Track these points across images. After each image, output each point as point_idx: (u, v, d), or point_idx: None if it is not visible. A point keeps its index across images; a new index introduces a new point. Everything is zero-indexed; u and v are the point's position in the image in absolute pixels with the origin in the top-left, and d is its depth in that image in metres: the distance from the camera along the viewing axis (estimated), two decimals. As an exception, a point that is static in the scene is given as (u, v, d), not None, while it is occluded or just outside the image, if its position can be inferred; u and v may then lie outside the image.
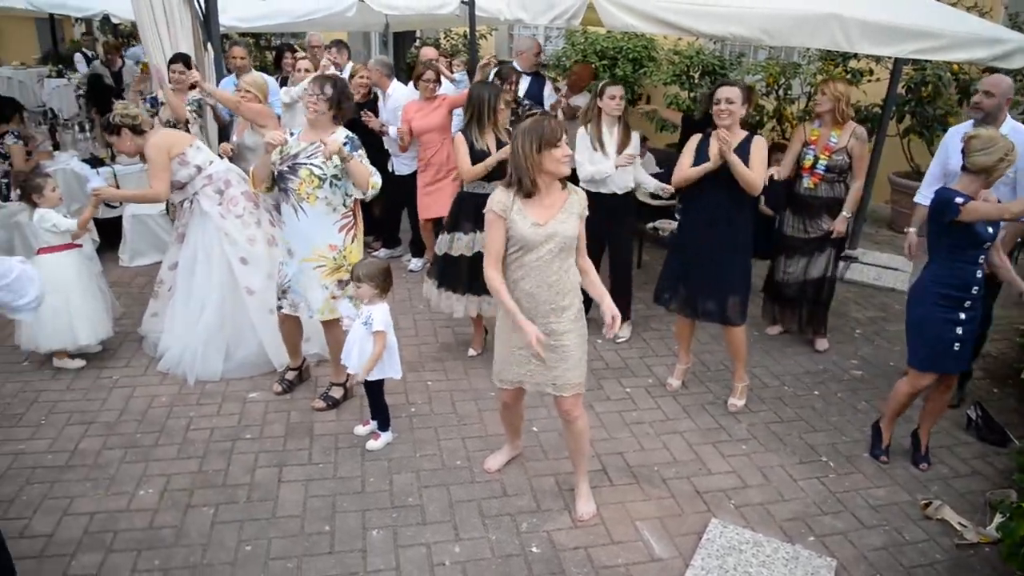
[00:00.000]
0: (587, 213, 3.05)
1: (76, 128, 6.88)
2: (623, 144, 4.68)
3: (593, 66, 8.16)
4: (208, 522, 3.18)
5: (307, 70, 5.62)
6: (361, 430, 3.82)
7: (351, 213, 3.85)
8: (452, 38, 11.56)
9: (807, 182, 4.67)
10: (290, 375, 4.26)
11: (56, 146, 6.70)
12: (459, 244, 4.42)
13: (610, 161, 4.63)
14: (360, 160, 3.71)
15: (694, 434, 4.00)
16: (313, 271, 3.81)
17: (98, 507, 3.27)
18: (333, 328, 3.93)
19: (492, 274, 3.00)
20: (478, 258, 4.37)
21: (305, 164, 3.67)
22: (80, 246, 4.41)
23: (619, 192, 4.74)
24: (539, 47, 6.66)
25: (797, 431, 4.06)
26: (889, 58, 6.23)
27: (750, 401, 4.30)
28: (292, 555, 3.00)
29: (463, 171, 4.34)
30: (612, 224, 4.72)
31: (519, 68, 6.27)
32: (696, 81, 8.66)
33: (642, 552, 3.11)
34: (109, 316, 4.58)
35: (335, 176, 3.70)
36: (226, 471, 3.53)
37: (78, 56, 12.50)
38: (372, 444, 3.71)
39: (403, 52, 12.03)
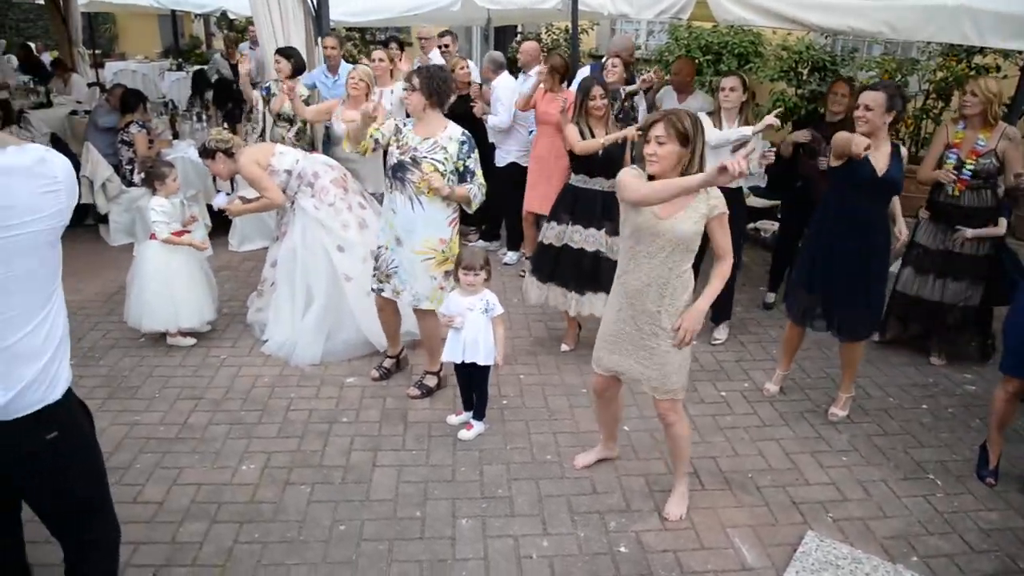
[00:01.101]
0: (720, 211, 2.86)
1: (194, 119, 7.25)
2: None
3: (696, 61, 7.98)
4: (305, 500, 3.30)
5: (381, 59, 5.75)
6: (453, 419, 3.88)
7: (458, 207, 3.92)
8: (553, 32, 11.56)
9: (950, 188, 4.41)
10: (388, 363, 4.36)
11: (175, 135, 7.08)
12: (550, 233, 4.47)
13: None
14: (473, 167, 3.80)
15: (791, 442, 3.86)
16: (422, 263, 3.87)
17: (204, 479, 3.44)
18: (428, 318, 3.99)
19: (646, 190, 2.76)
20: (566, 251, 4.41)
21: (427, 159, 3.72)
22: (189, 232, 4.64)
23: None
24: (633, 47, 6.60)
25: (902, 446, 3.86)
26: (1020, 53, 5.82)
27: (852, 411, 4.12)
28: (384, 538, 3.07)
29: (574, 144, 4.33)
30: None
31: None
32: (804, 77, 8.36)
33: (733, 560, 3.03)
34: (213, 300, 4.79)
35: (453, 172, 3.77)
36: (323, 452, 3.65)
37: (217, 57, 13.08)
38: (464, 434, 3.75)
39: (505, 47, 12.11)
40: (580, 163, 4.37)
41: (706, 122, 4.61)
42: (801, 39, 8.50)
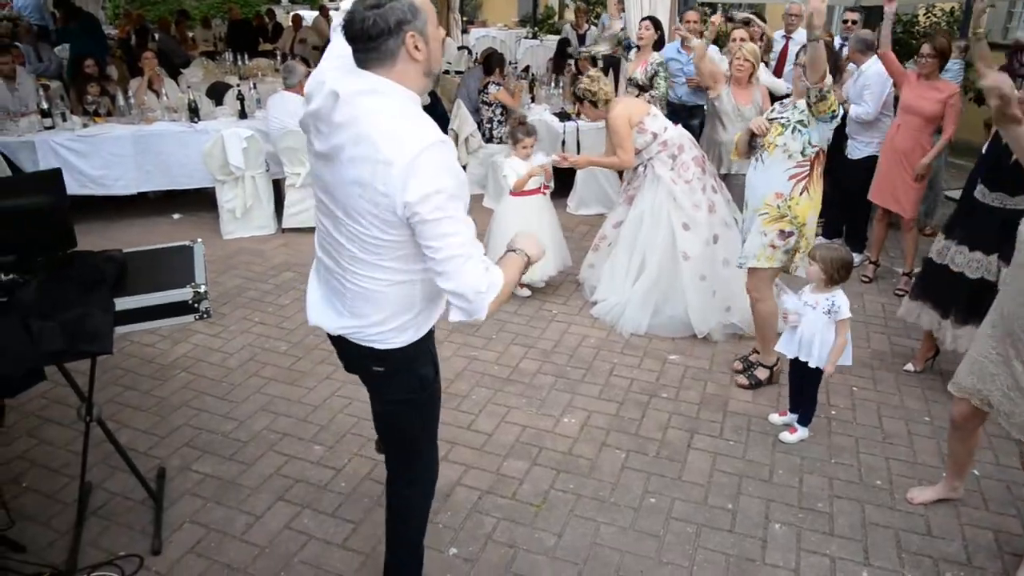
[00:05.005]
0: None
1: (551, 84, 7.66)
2: None
3: None
4: (619, 464, 3.38)
5: (742, 39, 5.53)
6: (776, 419, 3.70)
7: (808, 163, 3.64)
8: (934, 14, 10.27)
9: None
10: (754, 356, 4.11)
11: (532, 99, 7.55)
12: (935, 246, 3.93)
13: None
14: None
15: None
16: (758, 218, 3.75)
17: (528, 422, 3.67)
18: (762, 304, 3.84)
19: None
20: (946, 272, 3.81)
21: (776, 119, 3.67)
22: (546, 191, 4.91)
23: None
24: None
25: None
26: None
27: None
28: (693, 521, 3.04)
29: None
30: None
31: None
32: None
33: (1108, 659, 2.53)
34: (559, 260, 5.00)
35: (800, 122, 3.58)
36: (640, 422, 3.70)
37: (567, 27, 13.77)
38: (786, 436, 3.56)
39: (870, 27, 11.08)
40: (985, 172, 3.78)
41: None
42: None
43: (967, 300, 3.75)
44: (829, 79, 3.42)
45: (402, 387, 2.15)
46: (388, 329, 2.03)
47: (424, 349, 2.16)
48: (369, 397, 2.34)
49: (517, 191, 4.81)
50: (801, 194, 3.67)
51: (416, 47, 1.81)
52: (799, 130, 3.59)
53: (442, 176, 1.78)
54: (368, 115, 1.79)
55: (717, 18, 5.97)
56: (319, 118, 1.89)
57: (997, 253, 3.65)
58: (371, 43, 1.78)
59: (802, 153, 3.61)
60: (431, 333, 2.19)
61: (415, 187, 1.75)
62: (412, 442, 2.32)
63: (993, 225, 3.64)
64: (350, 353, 2.16)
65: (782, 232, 3.70)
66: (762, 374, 3.99)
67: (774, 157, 3.66)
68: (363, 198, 1.83)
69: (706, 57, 5.05)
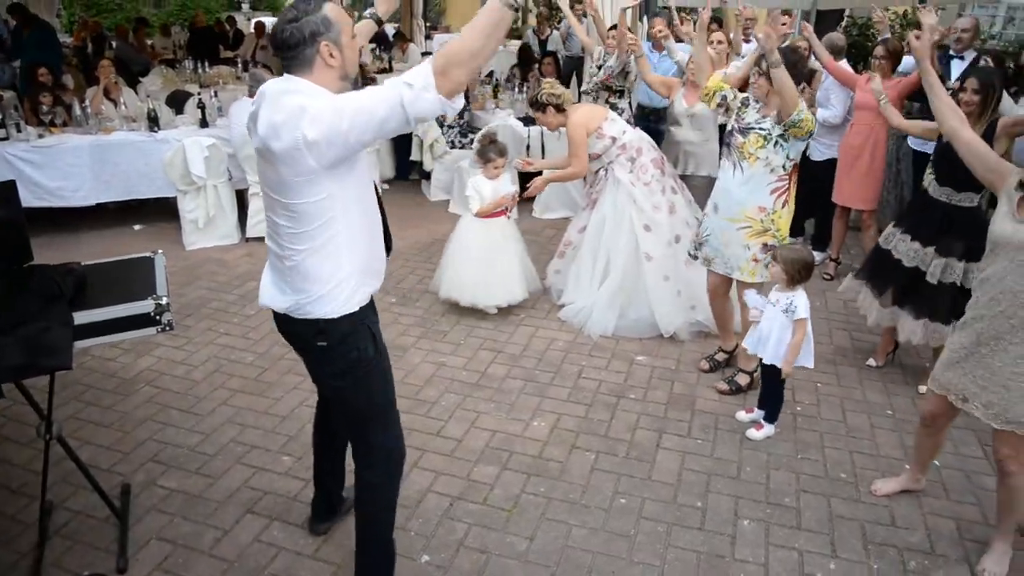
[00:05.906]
0: None
1: (515, 89, 7.69)
2: None
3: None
4: (589, 466, 3.39)
5: (720, 42, 5.60)
6: (743, 416, 3.75)
7: (787, 177, 3.69)
8: (888, 17, 10.48)
9: None
10: (720, 356, 4.24)
11: (497, 104, 7.57)
12: (885, 231, 4.05)
13: None
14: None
15: None
16: (736, 231, 3.76)
17: (498, 427, 3.68)
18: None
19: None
20: (888, 257, 3.94)
21: (754, 128, 3.66)
22: (507, 215, 4.84)
23: None
24: (977, 27, 5.86)
25: None
26: None
27: None
28: (663, 520, 3.06)
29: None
30: None
31: (953, 50, 5.56)
32: None
33: (1066, 641, 2.60)
34: (523, 282, 4.85)
35: (781, 136, 3.59)
36: (609, 424, 3.72)
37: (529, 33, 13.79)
38: (753, 433, 3.61)
39: (824, 32, 11.27)
40: (935, 167, 3.87)
41: None
42: None
43: (901, 288, 3.90)
44: (802, 104, 3.46)
45: (339, 360, 2.28)
46: (322, 295, 2.19)
47: (361, 325, 2.29)
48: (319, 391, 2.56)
49: (481, 214, 4.75)
50: (783, 207, 3.73)
51: (331, 55, 2.05)
52: (781, 144, 3.60)
53: (333, 101, 1.98)
54: (286, 107, 1.99)
55: (658, 22, 6.01)
56: (253, 118, 2.10)
57: (934, 246, 3.77)
58: (291, 51, 2.04)
59: (783, 167, 3.65)
60: (369, 312, 2.33)
61: (316, 125, 1.93)
62: (361, 419, 2.43)
63: (936, 218, 3.77)
64: (296, 332, 2.31)
65: (765, 246, 3.74)
66: (742, 380, 3.99)
67: (756, 169, 3.66)
68: (288, 167, 2.00)
69: (648, 69, 5.24)
